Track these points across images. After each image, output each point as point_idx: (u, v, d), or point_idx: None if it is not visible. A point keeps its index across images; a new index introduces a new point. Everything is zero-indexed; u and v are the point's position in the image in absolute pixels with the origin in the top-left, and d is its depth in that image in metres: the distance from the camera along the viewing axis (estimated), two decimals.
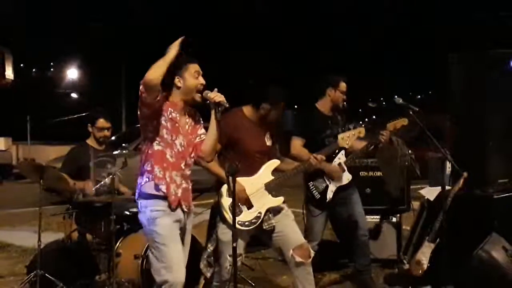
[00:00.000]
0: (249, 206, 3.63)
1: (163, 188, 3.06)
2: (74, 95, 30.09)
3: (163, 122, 3.07)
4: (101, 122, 4.65)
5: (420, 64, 22.46)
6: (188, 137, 3.18)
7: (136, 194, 3.17)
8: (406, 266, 4.69)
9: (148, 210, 3.07)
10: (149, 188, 3.08)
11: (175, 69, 3.10)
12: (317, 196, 4.32)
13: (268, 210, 3.67)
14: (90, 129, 4.67)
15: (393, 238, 5.25)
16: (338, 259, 5.25)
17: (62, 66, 27.49)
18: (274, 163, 3.77)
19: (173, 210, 3.09)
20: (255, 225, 3.62)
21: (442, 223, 4.00)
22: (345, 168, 4.32)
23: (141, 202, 3.11)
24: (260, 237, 3.77)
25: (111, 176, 4.11)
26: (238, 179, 3.55)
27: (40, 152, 17.81)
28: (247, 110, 3.78)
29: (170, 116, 3.10)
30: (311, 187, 4.33)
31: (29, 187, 11.96)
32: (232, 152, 3.68)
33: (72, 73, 27.25)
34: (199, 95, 3.13)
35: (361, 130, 3.89)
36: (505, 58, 4.81)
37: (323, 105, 4.46)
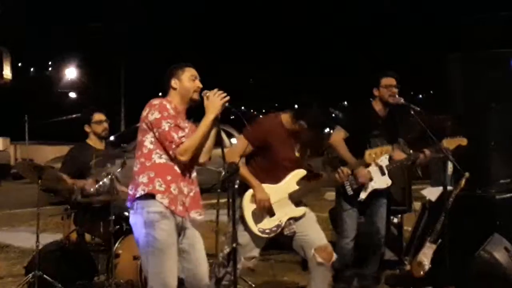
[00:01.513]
0: (271, 214, 3.61)
1: (165, 202, 2.97)
2: (72, 94, 30.03)
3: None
4: (97, 115, 4.59)
5: (420, 64, 22.46)
6: None
7: (128, 203, 3.08)
8: (408, 267, 4.67)
9: (144, 211, 2.97)
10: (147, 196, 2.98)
11: (171, 73, 3.11)
12: (350, 192, 4.26)
13: (290, 219, 3.65)
14: (88, 129, 4.60)
15: (395, 239, 5.23)
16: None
17: (61, 66, 27.45)
18: (301, 172, 3.72)
19: (172, 213, 3.01)
20: (275, 233, 3.62)
21: (444, 223, 3.98)
22: (386, 172, 4.26)
23: (137, 203, 3.00)
24: (280, 239, 3.73)
25: (110, 176, 4.09)
26: (263, 185, 3.58)
27: (38, 152, 17.76)
28: (285, 117, 3.71)
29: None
30: (346, 182, 4.21)
31: (27, 188, 11.92)
32: (260, 157, 3.65)
33: (71, 73, 27.21)
34: (197, 93, 3.12)
35: (388, 149, 3.81)
36: (505, 58, 4.80)
37: (376, 105, 4.39)
